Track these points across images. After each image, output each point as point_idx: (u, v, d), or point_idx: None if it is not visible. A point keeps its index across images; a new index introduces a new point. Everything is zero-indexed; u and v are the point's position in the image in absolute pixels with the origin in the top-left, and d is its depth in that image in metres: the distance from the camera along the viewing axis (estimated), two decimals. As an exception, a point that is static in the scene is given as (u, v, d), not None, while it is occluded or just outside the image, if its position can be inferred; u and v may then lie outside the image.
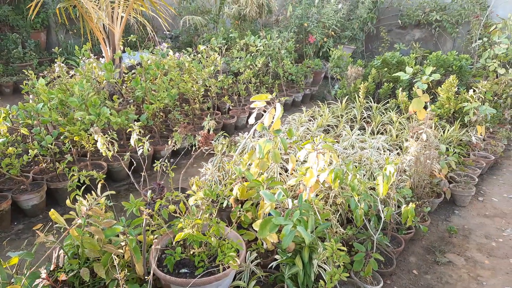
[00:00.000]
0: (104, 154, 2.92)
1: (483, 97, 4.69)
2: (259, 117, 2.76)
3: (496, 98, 5.20)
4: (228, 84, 5.60)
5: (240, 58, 6.19)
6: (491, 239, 3.02)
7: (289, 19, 7.75)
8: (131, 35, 5.51)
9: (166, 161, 3.17)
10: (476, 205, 3.52)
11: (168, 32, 9.32)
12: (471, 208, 3.45)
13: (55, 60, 4.84)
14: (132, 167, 3.20)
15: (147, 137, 3.07)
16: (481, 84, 4.64)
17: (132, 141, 3.04)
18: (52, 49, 5.58)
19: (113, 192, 2.18)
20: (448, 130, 4.32)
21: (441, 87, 4.80)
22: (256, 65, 5.97)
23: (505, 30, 6.22)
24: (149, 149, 3.08)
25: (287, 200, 2.39)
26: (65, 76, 4.62)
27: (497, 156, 4.21)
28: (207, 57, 5.48)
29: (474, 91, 4.57)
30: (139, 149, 3.06)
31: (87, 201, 1.86)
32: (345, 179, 2.58)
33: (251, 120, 2.83)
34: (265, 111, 2.74)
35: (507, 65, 6.02)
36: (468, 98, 4.53)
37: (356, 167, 2.63)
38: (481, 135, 4.17)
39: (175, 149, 3.41)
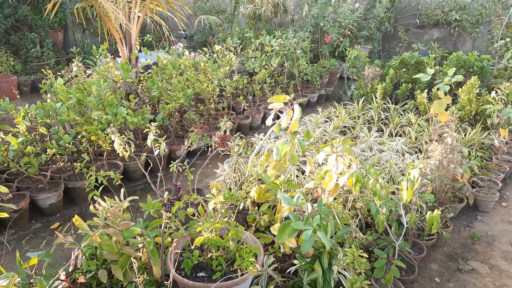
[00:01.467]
0: (121, 155, 2.92)
1: (505, 99, 4.54)
2: (274, 118, 2.71)
3: (519, 100, 5.04)
4: (243, 84, 5.56)
5: (255, 58, 6.15)
6: (517, 247, 2.91)
7: (305, 18, 7.68)
8: (147, 35, 5.52)
9: (183, 161, 3.16)
10: (499, 211, 3.40)
11: (183, 32, 9.34)
12: (494, 214, 3.34)
13: (73, 59, 4.88)
14: (149, 168, 3.19)
15: (163, 138, 3.06)
16: (504, 86, 4.50)
17: (148, 142, 3.03)
18: (70, 49, 5.66)
19: (136, 197, 2.16)
20: (470, 132, 4.19)
21: (462, 88, 4.68)
22: (271, 65, 5.92)
23: (529, 29, 6.03)
24: (165, 150, 3.07)
25: (306, 204, 2.34)
26: (82, 76, 4.66)
27: (522, 160, 4.07)
28: (222, 57, 5.46)
29: (496, 92, 4.43)
30: (155, 150, 3.04)
31: (110, 205, 1.84)
32: (366, 183, 2.51)
33: (269, 122, 2.78)
34: (281, 112, 2.69)
35: (530, 66, 5.84)
36: (491, 100, 4.40)
37: (377, 171, 2.56)
38: (504, 138, 4.04)
39: (191, 149, 3.40)
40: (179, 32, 9.25)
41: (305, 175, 3.17)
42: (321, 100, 6.90)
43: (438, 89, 3.38)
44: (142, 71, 5.17)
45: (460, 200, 3.22)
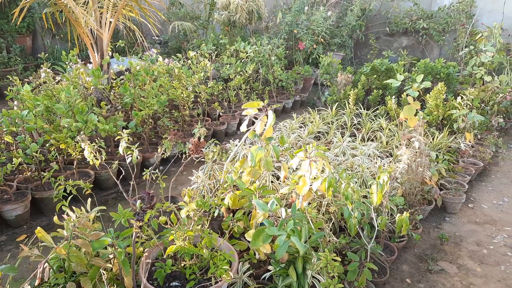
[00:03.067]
0: (91, 163, 2.85)
1: (470, 104, 4.75)
2: (250, 124, 2.73)
3: (483, 105, 5.29)
4: (218, 91, 5.56)
5: (230, 64, 6.16)
6: (482, 246, 3.03)
7: (279, 25, 7.78)
8: (120, 41, 5.43)
9: (156, 169, 3.11)
10: (466, 212, 3.54)
11: (157, 38, 9.25)
12: (461, 215, 3.47)
13: (41, 65, 4.73)
14: (121, 176, 3.12)
15: (136, 145, 3.01)
16: (469, 92, 4.70)
17: (120, 149, 2.98)
18: (38, 55, 5.49)
19: (104, 207, 2.11)
20: (437, 137, 4.35)
21: (429, 94, 4.86)
22: (246, 72, 5.95)
23: (491, 38, 6.36)
24: (138, 157, 3.02)
25: (281, 210, 2.35)
26: (51, 82, 4.52)
27: (486, 163, 4.26)
28: (197, 63, 5.43)
29: (462, 98, 4.63)
30: (127, 157, 2.99)
31: (76, 215, 1.79)
32: (338, 188, 2.56)
33: (243, 128, 2.79)
34: (256, 118, 2.71)
35: (493, 73, 6.14)
36: (456, 105, 4.59)
37: (349, 175, 2.61)
38: (470, 142, 4.21)
39: (164, 157, 3.36)
40: (153, 38, 9.15)
41: (280, 181, 3.19)
42: (296, 106, 6.98)
43: (407, 95, 3.49)
44: (114, 78, 5.07)
45: (429, 202, 3.33)
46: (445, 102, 4.89)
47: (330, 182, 2.42)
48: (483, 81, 5.83)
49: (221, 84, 5.69)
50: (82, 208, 1.88)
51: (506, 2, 7.58)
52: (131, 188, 3.00)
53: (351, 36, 8.54)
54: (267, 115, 2.64)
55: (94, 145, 2.87)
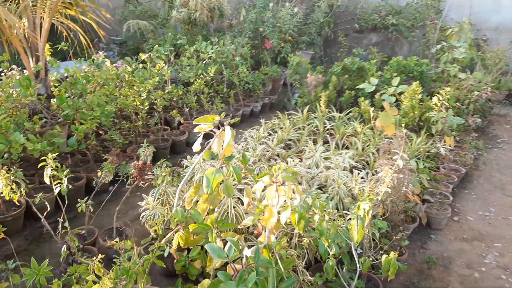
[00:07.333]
0: (7, 198, 2.31)
1: (446, 104, 4.47)
2: (203, 142, 2.27)
3: (458, 104, 5.04)
4: (178, 96, 5.03)
5: (190, 66, 5.63)
6: (473, 268, 2.70)
7: (243, 23, 7.32)
8: (62, 43, 4.77)
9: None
10: (452, 226, 3.21)
11: (114, 37, 8.58)
12: (447, 231, 3.14)
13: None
14: (45, 212, 2.56)
15: (66, 169, 2.46)
16: (445, 91, 4.42)
17: (46, 178, 2.44)
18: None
19: None
20: (415, 141, 4.03)
21: (404, 94, 4.54)
22: (208, 74, 5.44)
23: (461, 33, 6.17)
24: (69, 186, 2.48)
25: (243, 254, 1.90)
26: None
27: (468, 168, 3.97)
28: (152, 66, 4.88)
29: (438, 98, 4.33)
30: (55, 188, 2.46)
31: None
32: (311, 218, 2.13)
33: (196, 147, 2.31)
34: (216, 131, 2.26)
35: (466, 70, 5.95)
36: (433, 106, 4.29)
37: (323, 201, 2.20)
38: (450, 146, 3.91)
39: (106, 181, 2.84)
40: (111, 37, 8.47)
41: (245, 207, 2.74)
42: (265, 109, 6.54)
43: (383, 100, 3.13)
44: (57, 85, 4.44)
45: (413, 220, 2.98)
46: (421, 103, 4.59)
47: (301, 214, 1.99)
48: (458, 79, 5.61)
49: (181, 88, 5.16)
50: None
51: (473, -4, 7.48)
52: (60, 225, 2.44)
53: (320, 34, 8.18)
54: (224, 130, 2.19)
55: (9, 176, 2.32)
